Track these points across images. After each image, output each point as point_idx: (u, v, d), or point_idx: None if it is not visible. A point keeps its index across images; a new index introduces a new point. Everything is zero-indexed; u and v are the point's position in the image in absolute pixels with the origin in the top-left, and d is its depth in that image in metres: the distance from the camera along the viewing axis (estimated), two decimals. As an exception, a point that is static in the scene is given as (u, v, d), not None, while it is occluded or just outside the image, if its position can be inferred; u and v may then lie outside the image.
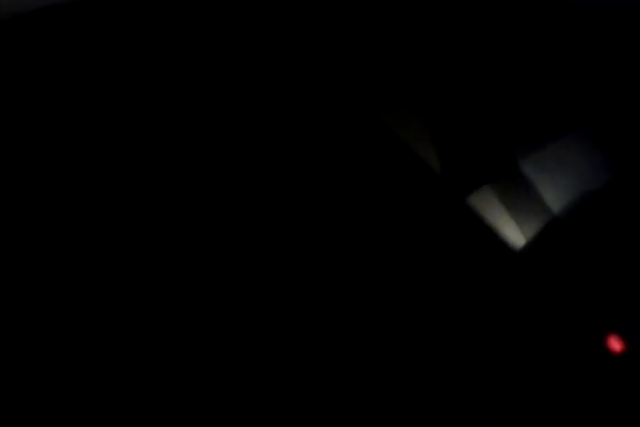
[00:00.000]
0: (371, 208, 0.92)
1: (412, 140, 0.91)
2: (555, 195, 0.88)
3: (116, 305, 0.93)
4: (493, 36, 0.92)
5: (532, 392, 0.89)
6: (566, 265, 0.88)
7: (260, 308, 0.93)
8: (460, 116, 0.92)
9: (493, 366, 0.90)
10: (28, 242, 0.94)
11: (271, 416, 0.91)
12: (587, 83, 0.89)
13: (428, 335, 0.91)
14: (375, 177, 0.92)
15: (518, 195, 0.88)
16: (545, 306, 0.89)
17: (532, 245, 0.88)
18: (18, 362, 0.90)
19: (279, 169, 0.95)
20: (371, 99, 0.93)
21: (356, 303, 0.92)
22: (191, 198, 0.95)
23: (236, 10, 0.96)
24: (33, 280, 0.93)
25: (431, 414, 0.90)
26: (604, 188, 0.88)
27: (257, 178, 0.94)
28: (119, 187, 0.95)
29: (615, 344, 0.88)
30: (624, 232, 0.86)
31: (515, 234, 0.88)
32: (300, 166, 0.94)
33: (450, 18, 0.95)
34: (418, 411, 0.90)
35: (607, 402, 0.89)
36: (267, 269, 0.93)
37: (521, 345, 0.89)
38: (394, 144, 0.91)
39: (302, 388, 0.92)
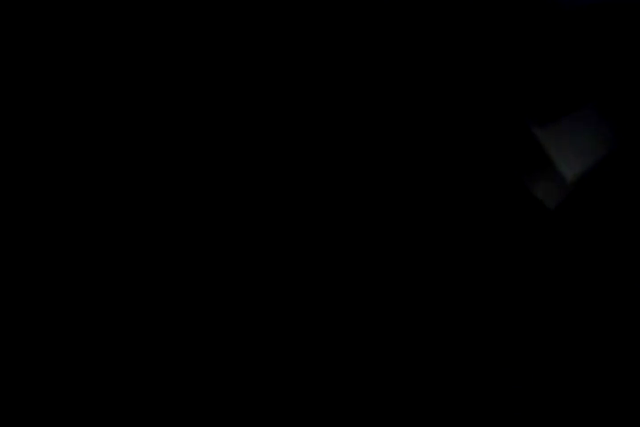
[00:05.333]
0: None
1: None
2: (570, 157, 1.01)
3: (115, 305, 0.93)
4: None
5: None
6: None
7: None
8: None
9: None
10: (28, 242, 0.94)
11: (271, 416, 0.91)
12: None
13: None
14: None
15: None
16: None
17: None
18: (18, 362, 0.90)
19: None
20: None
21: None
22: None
23: None
24: (33, 280, 0.93)
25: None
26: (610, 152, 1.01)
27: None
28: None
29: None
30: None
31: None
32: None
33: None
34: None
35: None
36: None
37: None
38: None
39: (302, 388, 0.92)
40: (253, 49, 1.00)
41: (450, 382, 0.94)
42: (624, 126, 1.00)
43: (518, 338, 0.95)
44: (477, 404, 0.93)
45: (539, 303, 0.96)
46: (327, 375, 0.93)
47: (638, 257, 0.98)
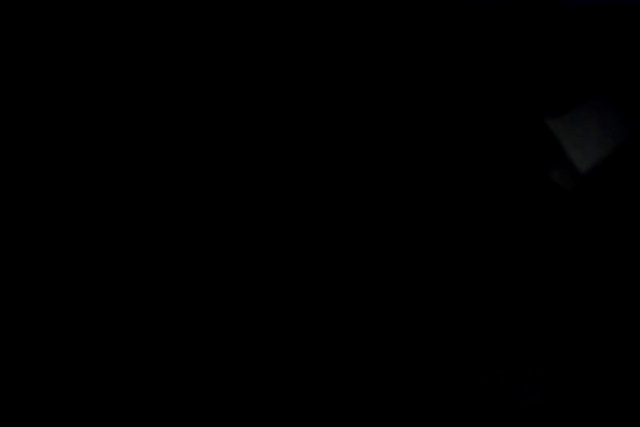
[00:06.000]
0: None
1: None
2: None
3: (115, 305, 0.94)
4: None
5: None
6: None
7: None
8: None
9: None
10: (28, 242, 0.94)
11: (271, 416, 0.91)
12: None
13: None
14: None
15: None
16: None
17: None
18: (18, 362, 0.91)
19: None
20: None
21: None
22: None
23: None
24: (33, 280, 0.93)
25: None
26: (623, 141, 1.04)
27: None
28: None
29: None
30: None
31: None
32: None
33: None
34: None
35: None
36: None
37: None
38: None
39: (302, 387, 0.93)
40: (255, 50, 1.00)
41: (450, 381, 0.94)
42: (636, 117, 1.02)
43: (531, 324, 0.96)
44: (478, 403, 0.93)
45: (553, 285, 0.98)
46: (327, 375, 0.93)
47: None
